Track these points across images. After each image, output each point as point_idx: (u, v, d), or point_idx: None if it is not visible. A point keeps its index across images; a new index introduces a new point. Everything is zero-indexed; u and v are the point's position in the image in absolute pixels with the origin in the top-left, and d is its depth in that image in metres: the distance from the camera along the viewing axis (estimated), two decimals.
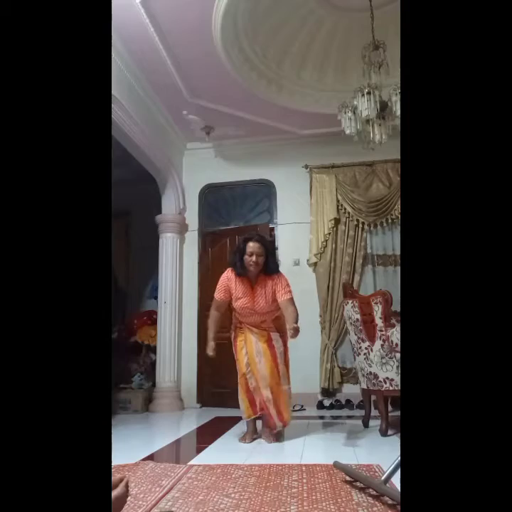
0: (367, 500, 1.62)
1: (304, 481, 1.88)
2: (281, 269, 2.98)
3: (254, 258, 2.77)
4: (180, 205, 4.99)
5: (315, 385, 4.43)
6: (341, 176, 4.76)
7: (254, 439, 2.83)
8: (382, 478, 1.66)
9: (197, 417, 4.02)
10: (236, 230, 4.89)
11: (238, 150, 5.10)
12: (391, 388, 2.84)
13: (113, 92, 3.32)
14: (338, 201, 4.70)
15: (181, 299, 4.86)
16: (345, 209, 4.68)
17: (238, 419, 3.24)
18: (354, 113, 3.07)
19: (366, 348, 2.97)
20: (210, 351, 2.87)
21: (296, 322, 2.62)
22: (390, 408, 3.14)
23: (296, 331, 2.50)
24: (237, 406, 2.95)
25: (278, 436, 2.80)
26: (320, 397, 4.39)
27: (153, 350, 4.77)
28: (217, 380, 4.47)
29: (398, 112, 2.93)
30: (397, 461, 1.67)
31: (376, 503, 1.59)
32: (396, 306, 3.39)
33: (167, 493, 1.77)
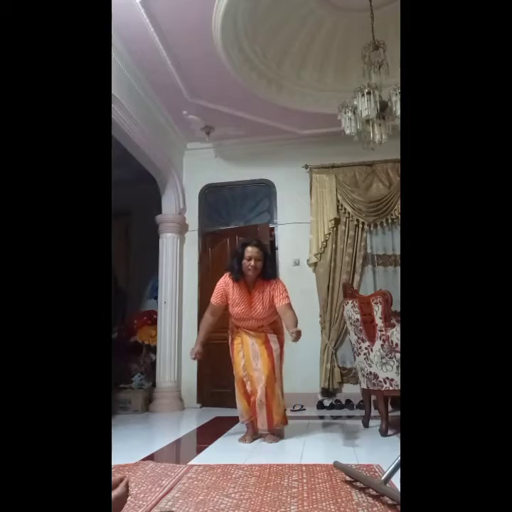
0: (367, 500, 1.62)
1: (304, 481, 1.88)
2: (281, 269, 2.99)
3: (252, 262, 2.78)
4: (180, 205, 4.99)
5: (315, 385, 4.43)
6: (341, 176, 4.76)
7: (254, 439, 2.83)
8: (382, 478, 1.66)
9: (197, 417, 4.02)
10: (236, 230, 4.89)
11: (238, 150, 5.10)
12: (391, 388, 2.84)
13: (113, 92, 3.32)
14: (338, 201, 4.70)
15: (181, 299, 4.86)
16: (345, 209, 4.68)
17: (238, 419, 3.24)
18: (354, 113, 3.07)
19: (366, 348, 2.97)
20: (192, 354, 2.88)
21: (296, 326, 2.62)
22: (390, 408, 3.14)
23: (298, 335, 2.50)
24: (237, 406, 2.95)
25: (276, 436, 2.78)
26: (320, 397, 4.39)
27: (153, 350, 4.77)
28: (217, 380, 4.46)
29: (398, 112, 2.93)
30: (397, 461, 1.67)
31: (376, 503, 1.59)
32: (396, 306, 3.39)
33: (167, 493, 1.77)
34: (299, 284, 4.45)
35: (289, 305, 2.79)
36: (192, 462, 2.31)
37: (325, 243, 4.64)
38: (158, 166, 4.60)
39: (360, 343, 3.04)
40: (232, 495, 1.72)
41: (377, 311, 2.91)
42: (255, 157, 5.05)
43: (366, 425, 3.19)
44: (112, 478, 1.17)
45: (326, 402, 4.30)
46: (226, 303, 2.89)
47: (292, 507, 1.57)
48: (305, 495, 1.70)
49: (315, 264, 4.66)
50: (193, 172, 5.18)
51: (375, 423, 3.11)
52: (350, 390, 4.36)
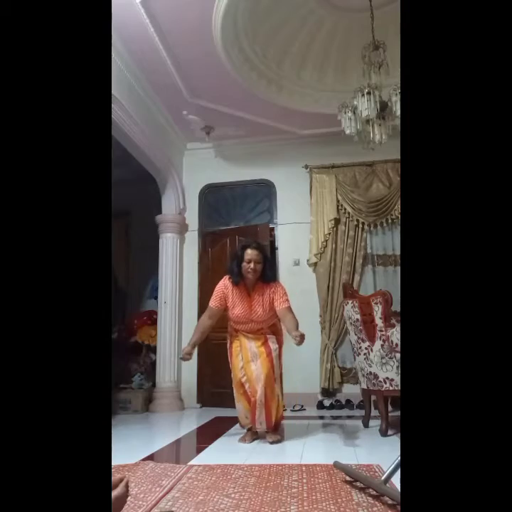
0: (367, 500, 1.62)
1: (304, 481, 1.88)
2: (281, 269, 2.98)
3: (252, 265, 2.77)
4: (180, 205, 4.99)
5: (315, 385, 4.43)
6: (341, 176, 4.76)
7: (254, 440, 2.83)
8: (382, 478, 1.66)
9: (197, 417, 4.02)
10: (236, 230, 4.89)
11: (238, 150, 5.10)
12: (391, 388, 2.84)
13: (113, 92, 3.32)
14: (338, 201, 4.70)
15: (181, 299, 4.86)
16: (345, 209, 4.68)
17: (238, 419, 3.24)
18: (354, 113, 3.07)
19: (366, 348, 2.97)
20: (182, 354, 2.83)
21: (298, 329, 2.62)
22: (390, 408, 3.14)
23: (302, 338, 2.50)
24: (237, 410, 2.94)
25: (275, 435, 2.77)
26: (320, 397, 4.39)
27: (153, 350, 4.77)
28: (217, 380, 4.46)
29: (398, 112, 2.92)
30: (397, 461, 1.67)
31: (376, 503, 1.59)
32: (396, 306, 3.39)
33: (167, 493, 1.77)
34: (299, 284, 4.46)
35: (289, 308, 2.79)
36: (192, 462, 2.31)
37: (325, 243, 4.64)
38: (158, 166, 4.60)
39: (360, 343, 3.04)
40: (232, 495, 1.72)
41: (377, 311, 2.91)
42: (255, 157, 5.05)
43: (366, 425, 3.19)
44: (112, 478, 1.17)
45: (326, 402, 4.30)
46: (225, 306, 2.88)
47: (292, 507, 1.57)
48: (305, 495, 1.70)
49: (315, 264, 4.66)
50: (193, 172, 5.18)
51: (375, 423, 3.11)
52: (350, 390, 4.36)
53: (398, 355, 2.80)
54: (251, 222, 4.99)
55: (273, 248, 4.76)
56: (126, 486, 1.23)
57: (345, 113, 3.10)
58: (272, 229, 4.84)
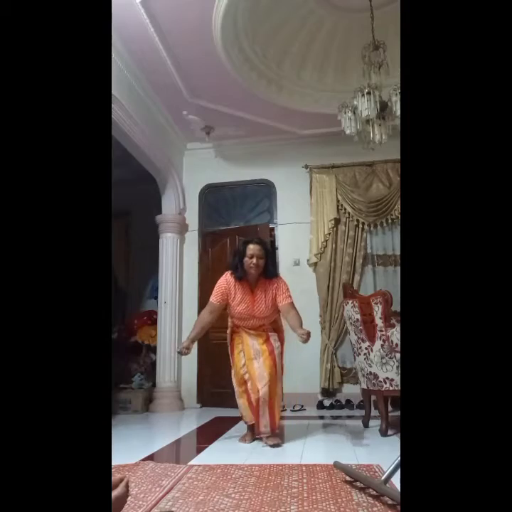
0: (367, 501, 1.62)
1: (304, 481, 1.88)
2: (281, 269, 2.97)
3: (254, 260, 2.75)
4: (180, 205, 4.99)
5: (315, 385, 4.43)
6: (341, 176, 4.76)
7: (254, 440, 2.82)
8: (382, 478, 1.66)
9: (197, 417, 4.02)
10: (236, 230, 4.89)
11: (238, 150, 5.10)
12: (391, 388, 2.84)
13: (113, 92, 3.32)
14: (338, 201, 4.70)
15: (181, 299, 4.86)
16: (345, 209, 4.68)
17: (238, 419, 3.24)
18: (354, 113, 3.07)
19: (366, 348, 2.97)
20: (179, 348, 2.76)
21: (302, 326, 2.61)
22: (390, 408, 3.14)
23: (308, 335, 2.49)
24: (237, 406, 2.94)
25: (276, 437, 2.74)
26: (320, 397, 4.39)
27: (153, 350, 4.77)
28: (217, 380, 4.46)
29: (398, 112, 2.93)
30: (397, 461, 1.67)
31: (376, 503, 1.59)
32: (396, 306, 3.39)
33: (167, 493, 1.77)
34: (299, 284, 4.45)
35: (292, 304, 2.78)
36: (192, 462, 2.31)
37: (325, 243, 4.64)
38: (158, 166, 4.60)
39: (360, 343, 3.04)
40: (232, 495, 1.72)
41: (377, 311, 2.91)
42: (255, 157, 5.05)
43: (366, 425, 3.19)
44: (112, 478, 1.17)
45: (326, 402, 4.30)
46: (226, 302, 2.85)
47: (292, 507, 1.57)
48: (305, 495, 1.70)
49: (315, 264, 4.66)
50: (193, 172, 5.18)
51: (375, 423, 3.11)
52: (350, 390, 4.36)
53: (398, 355, 2.80)
54: (251, 222, 4.99)
55: (273, 248, 4.76)
56: (126, 486, 1.23)
57: (345, 113, 3.10)
58: (272, 229, 4.84)
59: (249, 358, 2.80)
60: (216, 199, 5.17)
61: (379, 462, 2.12)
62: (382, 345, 2.86)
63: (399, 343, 2.77)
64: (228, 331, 2.98)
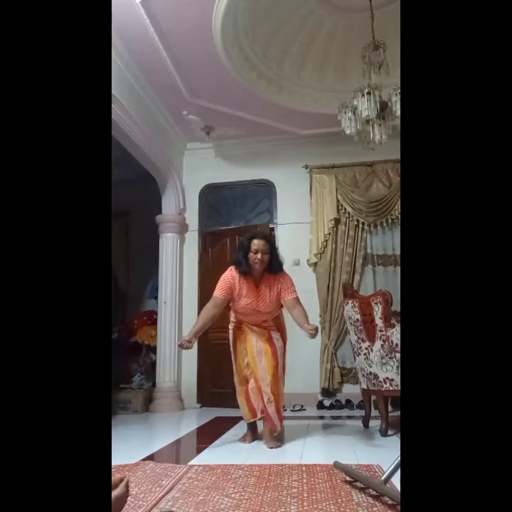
0: (367, 501, 1.62)
1: (304, 481, 1.88)
2: None
3: (259, 256, 2.72)
4: (180, 205, 4.99)
5: (315, 385, 4.43)
6: (341, 176, 4.76)
7: (254, 440, 2.82)
8: (382, 478, 1.66)
9: (197, 417, 4.02)
10: (236, 230, 4.89)
11: (238, 150, 5.10)
12: (391, 388, 2.84)
13: (113, 92, 3.32)
14: (338, 201, 4.70)
15: (181, 299, 4.86)
16: (345, 209, 4.68)
17: (238, 419, 3.24)
18: (354, 113, 3.07)
19: (366, 348, 2.97)
20: (181, 341, 2.63)
21: (308, 321, 2.61)
22: (390, 408, 3.14)
23: (316, 330, 2.48)
24: (237, 406, 2.93)
25: (279, 439, 2.73)
26: (320, 397, 4.39)
27: (153, 350, 4.77)
28: (217, 380, 4.47)
29: (398, 112, 2.93)
30: (397, 461, 1.67)
31: (376, 503, 1.59)
32: (396, 306, 3.39)
33: (167, 493, 1.77)
34: (299, 284, 4.39)
35: (297, 299, 2.75)
36: (192, 462, 2.31)
37: (325, 243, 4.64)
38: (158, 166, 4.60)
39: (360, 343, 3.04)
40: (232, 495, 1.72)
41: (377, 311, 2.91)
42: (255, 157, 5.05)
43: (366, 425, 3.19)
44: (112, 478, 1.17)
45: (326, 402, 4.30)
46: (231, 297, 2.78)
47: (292, 507, 1.57)
48: (305, 495, 1.70)
49: (315, 264, 4.66)
50: (193, 172, 5.18)
51: (375, 423, 3.11)
52: (350, 390, 4.36)
53: (398, 355, 2.80)
54: (251, 222, 4.99)
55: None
56: (126, 486, 1.23)
57: (345, 113, 3.10)
58: (272, 229, 4.84)
59: (252, 356, 2.78)
60: (216, 199, 5.17)
61: (379, 462, 2.12)
62: (382, 345, 2.86)
63: (399, 343, 2.76)
64: (231, 327, 2.93)
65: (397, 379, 2.82)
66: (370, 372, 2.95)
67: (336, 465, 1.98)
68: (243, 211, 5.08)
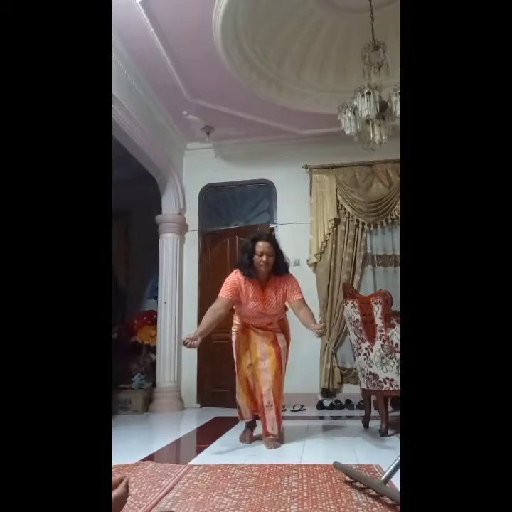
0: (367, 501, 1.62)
1: (304, 481, 1.88)
2: None
3: (264, 258, 2.67)
4: (180, 205, 4.99)
5: (315, 385, 4.43)
6: (341, 176, 4.76)
7: (254, 439, 2.80)
8: (382, 478, 1.66)
9: (197, 417, 4.02)
10: (236, 230, 4.89)
11: (238, 150, 5.10)
12: (391, 388, 2.84)
13: (113, 92, 3.32)
14: (338, 201, 4.70)
15: (181, 299, 4.86)
16: (345, 209, 4.68)
17: (238, 419, 3.23)
18: (354, 113, 3.07)
19: (366, 349, 2.97)
20: (185, 339, 2.46)
21: (315, 321, 2.60)
22: (390, 408, 3.14)
23: (324, 329, 2.47)
24: (238, 404, 2.92)
25: (277, 440, 2.71)
26: (320, 398, 4.39)
27: (153, 350, 4.77)
28: (217, 380, 4.47)
29: (398, 112, 2.92)
30: (397, 461, 1.67)
31: (376, 503, 1.59)
32: (396, 306, 3.39)
33: (167, 493, 1.77)
34: None
35: (303, 300, 2.73)
36: (192, 462, 2.31)
37: (325, 243, 4.64)
38: (158, 166, 4.60)
39: (360, 344, 3.04)
40: (232, 495, 1.72)
41: (377, 311, 2.91)
42: (255, 157, 5.05)
43: (366, 425, 3.19)
44: (112, 478, 1.17)
45: (326, 403, 4.30)
46: (237, 298, 2.74)
47: (292, 507, 1.57)
48: (305, 495, 1.70)
49: (315, 264, 4.66)
50: (193, 172, 5.18)
51: (375, 423, 3.11)
52: (350, 390, 4.36)
53: (398, 355, 2.80)
54: (251, 222, 4.99)
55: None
56: (126, 486, 1.23)
57: (345, 113, 3.10)
58: (272, 229, 4.84)
59: (256, 358, 2.75)
60: (216, 199, 5.17)
61: (379, 462, 2.12)
62: (382, 346, 2.86)
63: (399, 343, 2.76)
64: (234, 330, 2.89)
65: (397, 379, 2.81)
66: (370, 373, 2.95)
67: (336, 465, 1.98)
68: (243, 211, 5.09)
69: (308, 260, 4.69)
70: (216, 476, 1.99)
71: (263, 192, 5.08)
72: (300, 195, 4.85)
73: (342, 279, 4.48)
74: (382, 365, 2.87)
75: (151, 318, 4.96)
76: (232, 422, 3.41)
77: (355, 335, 3.08)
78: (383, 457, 2.22)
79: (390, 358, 2.84)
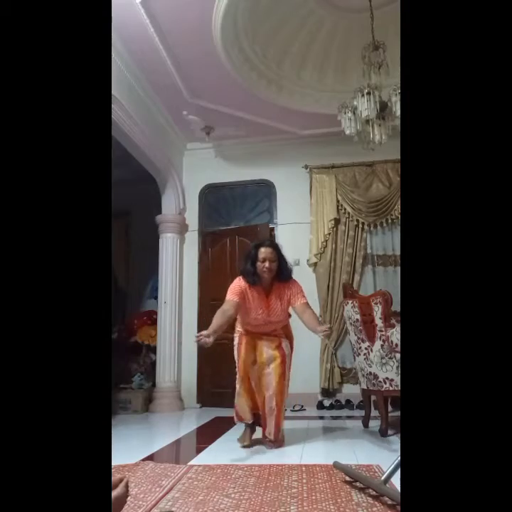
0: (367, 501, 1.62)
1: (304, 481, 1.88)
2: None
3: (267, 264, 2.64)
4: (180, 205, 4.99)
5: (315, 385, 4.43)
6: (341, 176, 4.76)
7: (254, 442, 2.73)
8: (382, 478, 1.66)
9: (197, 417, 4.02)
10: (236, 230, 4.89)
11: (238, 150, 5.10)
12: (391, 388, 2.84)
13: (113, 92, 3.32)
14: (338, 201, 4.70)
15: (181, 299, 4.86)
16: (345, 209, 4.68)
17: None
18: (354, 113, 3.07)
19: (366, 349, 2.97)
20: (199, 335, 2.36)
21: (319, 323, 2.58)
22: (390, 408, 3.14)
23: (329, 329, 2.45)
24: (239, 405, 2.90)
25: (277, 445, 2.67)
26: (320, 398, 4.39)
27: (153, 350, 4.78)
28: (217, 380, 4.47)
29: (398, 112, 2.92)
30: (397, 461, 1.67)
31: (376, 503, 1.59)
32: (396, 306, 3.39)
33: (167, 493, 1.77)
34: None
35: (307, 304, 2.69)
36: (192, 462, 2.31)
37: (325, 243, 4.64)
38: (158, 166, 4.60)
39: (360, 344, 3.04)
40: (232, 495, 1.72)
41: (377, 311, 2.91)
42: (255, 157, 5.05)
43: (366, 425, 3.19)
44: (112, 478, 1.17)
45: (326, 403, 4.30)
46: (243, 302, 2.67)
47: (292, 507, 1.57)
48: (305, 495, 1.70)
49: (315, 264, 4.66)
50: (193, 172, 5.18)
51: (375, 423, 3.11)
52: (350, 390, 4.36)
53: (398, 355, 2.80)
54: (251, 222, 4.99)
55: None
56: (126, 486, 1.23)
57: (345, 113, 3.10)
58: (272, 229, 4.84)
59: (262, 363, 2.71)
60: (216, 199, 5.18)
61: (379, 462, 2.12)
62: (382, 346, 2.86)
63: (399, 343, 2.76)
64: (237, 335, 2.84)
65: (397, 379, 2.82)
66: (370, 373, 2.95)
67: (336, 465, 1.98)
68: (243, 211, 5.09)
69: (308, 260, 4.69)
70: (216, 476, 1.99)
71: (263, 192, 5.08)
72: (300, 195, 4.85)
73: (342, 279, 4.48)
74: (382, 365, 2.87)
75: (151, 318, 4.96)
76: (232, 422, 3.39)
77: (355, 335, 3.08)
78: (383, 457, 2.22)
79: (390, 358, 2.84)
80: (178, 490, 1.80)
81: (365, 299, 3.10)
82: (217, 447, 2.73)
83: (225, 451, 2.61)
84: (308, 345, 4.18)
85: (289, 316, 2.86)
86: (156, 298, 4.97)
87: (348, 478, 1.88)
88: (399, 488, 1.65)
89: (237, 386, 2.78)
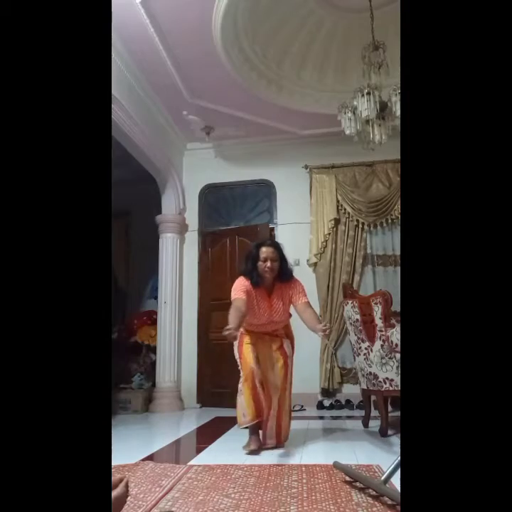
0: (367, 501, 1.62)
1: (304, 481, 1.88)
2: None
3: (268, 264, 2.62)
4: (180, 205, 4.99)
5: (315, 385, 4.43)
6: (341, 176, 4.76)
7: (261, 447, 2.59)
8: (382, 478, 1.66)
9: (197, 417, 4.02)
10: (236, 230, 4.90)
11: (238, 150, 5.10)
12: (391, 388, 2.84)
13: (113, 92, 3.32)
14: (338, 201, 4.70)
15: (181, 299, 4.86)
16: (345, 209, 4.68)
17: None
18: (354, 113, 3.07)
19: (366, 349, 2.97)
20: (228, 330, 2.29)
21: (320, 322, 2.56)
22: (390, 408, 3.14)
23: (329, 328, 2.43)
24: (245, 407, 2.84)
25: (280, 441, 2.66)
26: (320, 398, 4.39)
27: (153, 350, 4.78)
28: (217, 380, 4.47)
29: (398, 113, 2.93)
30: (397, 461, 1.67)
31: (376, 503, 1.59)
32: (396, 306, 3.39)
33: (167, 493, 1.77)
34: None
35: (308, 303, 2.68)
36: (192, 462, 2.31)
37: (325, 243, 4.64)
38: (158, 166, 4.61)
39: (360, 344, 3.04)
40: (232, 495, 1.72)
41: (377, 311, 2.91)
42: (255, 157, 5.05)
43: (366, 425, 3.19)
44: (112, 478, 1.17)
45: (326, 403, 4.30)
46: (248, 301, 2.62)
47: (292, 507, 1.57)
48: (305, 495, 1.70)
49: (315, 264, 4.67)
50: (193, 172, 5.18)
51: (375, 423, 3.11)
52: (350, 390, 4.36)
53: (398, 355, 2.80)
54: (251, 222, 4.99)
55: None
56: (126, 486, 1.23)
57: (345, 113, 3.10)
58: (272, 229, 4.84)
59: (265, 361, 2.69)
60: (216, 199, 5.18)
61: (379, 462, 2.12)
62: (382, 346, 2.86)
63: (399, 343, 2.76)
64: (238, 335, 2.73)
65: (397, 379, 2.81)
66: (370, 373, 2.95)
67: (336, 465, 1.98)
68: (243, 211, 5.09)
69: (308, 260, 4.69)
70: (216, 476, 1.99)
71: (263, 192, 5.08)
72: (300, 195, 4.85)
73: (342, 279, 4.48)
74: (382, 365, 2.87)
75: (151, 318, 4.96)
76: (232, 422, 3.40)
77: (355, 335, 3.08)
78: (383, 457, 2.22)
79: (390, 358, 2.84)
80: (178, 490, 1.80)
81: (365, 299, 3.10)
82: (217, 447, 2.73)
83: (225, 451, 2.61)
84: (308, 345, 4.17)
85: (290, 315, 2.87)
86: (156, 298, 4.97)
87: (348, 479, 1.88)
88: (399, 488, 1.65)
89: (240, 385, 2.69)
